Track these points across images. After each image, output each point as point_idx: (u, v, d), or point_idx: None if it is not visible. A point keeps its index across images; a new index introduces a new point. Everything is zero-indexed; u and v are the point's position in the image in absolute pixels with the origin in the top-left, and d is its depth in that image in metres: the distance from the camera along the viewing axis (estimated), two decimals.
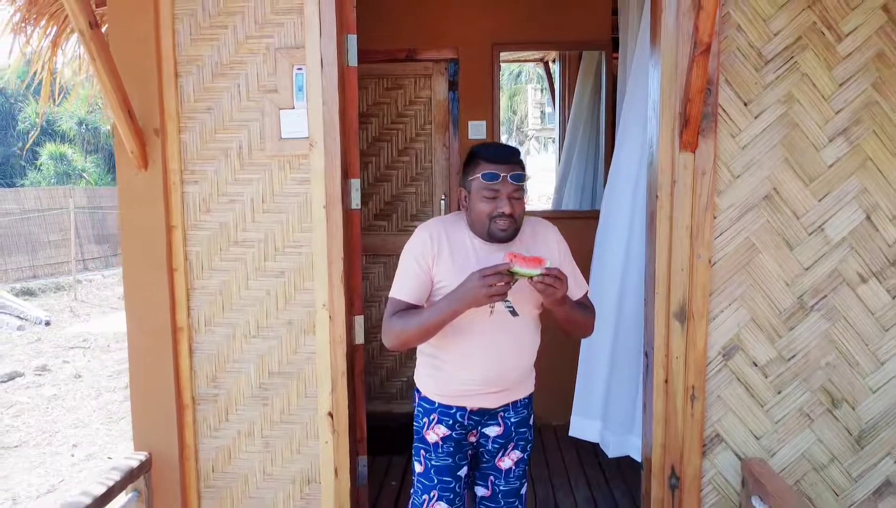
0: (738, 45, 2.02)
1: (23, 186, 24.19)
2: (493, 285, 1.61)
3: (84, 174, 23.74)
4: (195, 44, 2.14)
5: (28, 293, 12.75)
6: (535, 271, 1.57)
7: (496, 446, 1.92)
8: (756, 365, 2.12)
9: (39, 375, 8.54)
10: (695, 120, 1.98)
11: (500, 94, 3.48)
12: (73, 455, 6.16)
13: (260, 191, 2.18)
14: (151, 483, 2.20)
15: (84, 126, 25.49)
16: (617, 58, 3.20)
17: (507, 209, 1.71)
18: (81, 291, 13.40)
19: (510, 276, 1.59)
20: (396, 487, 2.92)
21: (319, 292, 2.18)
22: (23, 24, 2.96)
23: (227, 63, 2.15)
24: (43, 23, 3.03)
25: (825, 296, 2.08)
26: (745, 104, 2.04)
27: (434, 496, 1.87)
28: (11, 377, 8.38)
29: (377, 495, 2.77)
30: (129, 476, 2.08)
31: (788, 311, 2.10)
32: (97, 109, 26.55)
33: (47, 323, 11.09)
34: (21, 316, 11.32)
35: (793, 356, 2.11)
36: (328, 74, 2.11)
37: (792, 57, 2.02)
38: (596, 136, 3.73)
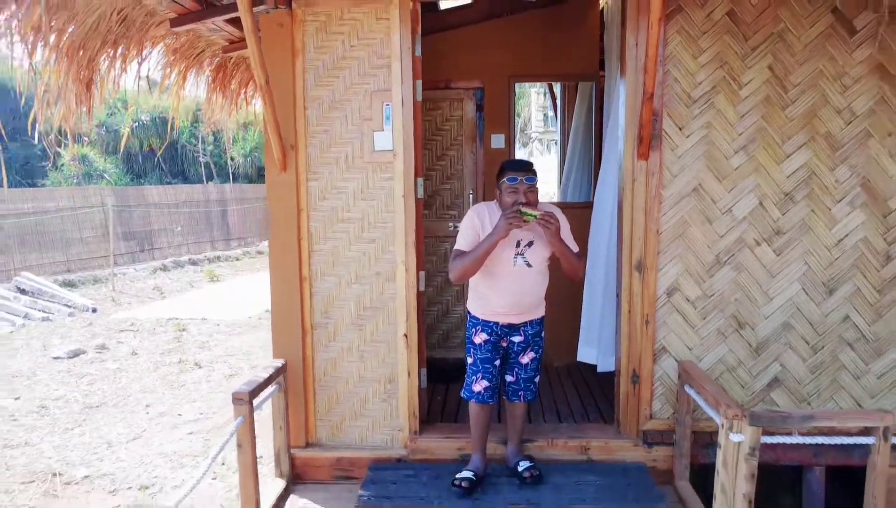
0: (675, 91, 3.15)
1: (44, 186, 25.28)
2: (511, 219, 2.72)
3: (105, 175, 24.79)
4: (317, 88, 3.28)
5: (69, 285, 13.87)
6: (537, 212, 2.71)
7: (519, 349, 3.06)
8: (688, 301, 3.25)
9: (100, 352, 9.68)
10: (647, 140, 3.11)
11: None
12: (147, 413, 7.30)
13: (359, 186, 3.32)
14: (286, 380, 3.33)
15: (104, 128, 26.55)
16: (604, 75, 4.32)
17: (523, 200, 2.84)
18: (117, 283, 14.51)
19: (521, 215, 2.71)
20: (441, 401, 4.05)
21: (399, 253, 3.31)
22: (167, 65, 4.10)
23: (338, 100, 3.28)
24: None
25: (733, 254, 3.22)
26: (680, 129, 3.17)
27: (479, 376, 3.02)
28: (76, 353, 9.55)
29: (429, 403, 3.89)
30: (277, 372, 3.21)
31: (709, 264, 3.23)
32: (116, 112, 27.51)
33: (94, 310, 12.22)
34: (69, 304, 12.46)
35: (712, 295, 3.24)
36: (406, 108, 3.25)
37: (710, 99, 3.15)
38: (589, 147, 4.88)
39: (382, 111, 3.25)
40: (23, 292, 13.08)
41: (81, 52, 3.18)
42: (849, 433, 2.79)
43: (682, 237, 3.22)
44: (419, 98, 3.35)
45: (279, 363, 3.30)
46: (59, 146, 3.36)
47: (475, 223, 2.93)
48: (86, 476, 5.76)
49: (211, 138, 25.08)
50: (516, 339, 3.04)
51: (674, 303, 3.26)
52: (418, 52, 3.31)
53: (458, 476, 3.04)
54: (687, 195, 3.20)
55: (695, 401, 3.11)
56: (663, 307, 3.26)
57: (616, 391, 3.40)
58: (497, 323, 3.01)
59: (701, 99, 3.15)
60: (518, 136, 24.38)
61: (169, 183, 26.08)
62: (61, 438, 6.60)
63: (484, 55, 4.52)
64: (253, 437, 2.89)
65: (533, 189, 2.88)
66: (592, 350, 3.67)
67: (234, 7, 3.23)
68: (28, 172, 28.11)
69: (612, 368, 3.62)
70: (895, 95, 3.07)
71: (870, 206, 3.14)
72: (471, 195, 4.60)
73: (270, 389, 3.23)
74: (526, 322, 3.03)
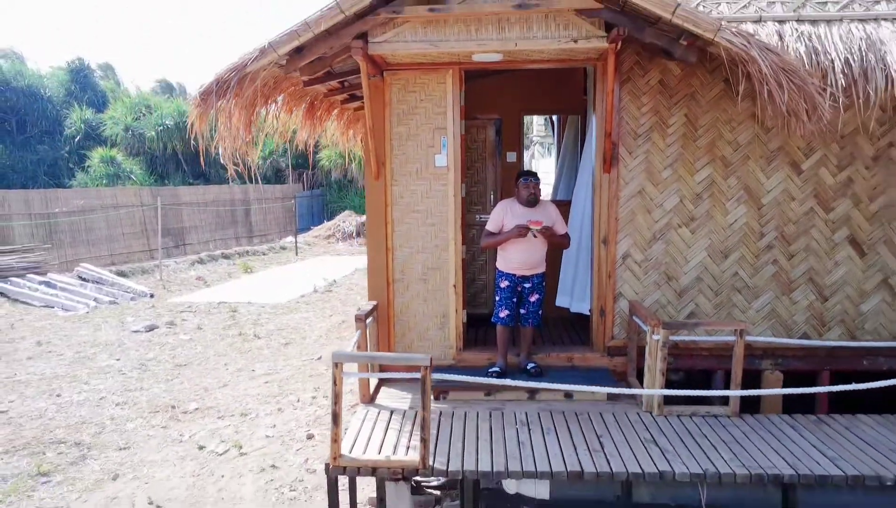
0: (627, 129, 5.07)
1: (71, 186, 27.05)
2: (521, 230, 4.67)
3: (132, 175, 26.57)
4: (399, 126, 5.19)
5: (121, 275, 15.71)
6: (538, 228, 4.63)
7: (528, 291, 4.99)
8: (636, 262, 5.17)
9: (170, 327, 11.57)
10: (609, 160, 5.03)
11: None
12: (227, 369, 9.21)
13: (425, 189, 5.23)
14: (377, 315, 5.23)
15: (130, 132, 28.31)
16: (586, 100, 6.22)
17: (532, 192, 4.79)
18: (163, 274, 16.36)
19: (528, 230, 4.64)
20: (473, 337, 5.97)
21: (450, 233, 5.22)
22: (285, 105, 5.98)
23: (412, 134, 5.20)
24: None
25: (664, 233, 5.13)
26: (630, 153, 5.09)
27: (503, 307, 4.96)
28: (151, 328, 11.46)
29: (466, 335, 5.80)
30: (372, 309, 5.12)
31: (649, 239, 5.14)
32: (142, 116, 29.17)
33: (151, 296, 14.09)
34: (128, 290, 14.33)
35: (651, 259, 5.16)
36: (455, 140, 5.16)
37: (648, 135, 5.07)
38: (574, 161, 6.81)
39: (440, 141, 5.17)
40: (84, 280, 14.96)
41: (249, 104, 5.07)
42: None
43: (631, 222, 5.14)
44: (462, 132, 5.26)
45: (373, 303, 5.21)
46: (238, 166, 5.23)
47: (499, 213, 4.86)
48: (196, 408, 7.69)
49: None
50: (527, 285, 4.97)
51: (627, 264, 5.17)
52: (462, 102, 5.22)
53: (489, 370, 4.96)
54: (635, 195, 5.11)
55: (639, 326, 5.01)
56: (620, 267, 5.17)
57: (590, 323, 5.32)
58: (514, 274, 4.93)
59: (643, 135, 5.07)
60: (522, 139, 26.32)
61: (191, 183, 27.83)
62: (166, 385, 8.54)
63: (501, 96, 6.44)
64: (367, 344, 4.79)
65: (537, 186, 4.83)
66: (567, 298, 5.61)
67: (346, 74, 5.16)
68: (55, 172, 29.82)
69: (581, 310, 5.54)
70: (764, 133, 4.99)
71: (749, 202, 5.06)
72: (492, 196, 6.53)
73: (369, 320, 5.13)
74: (533, 275, 4.96)
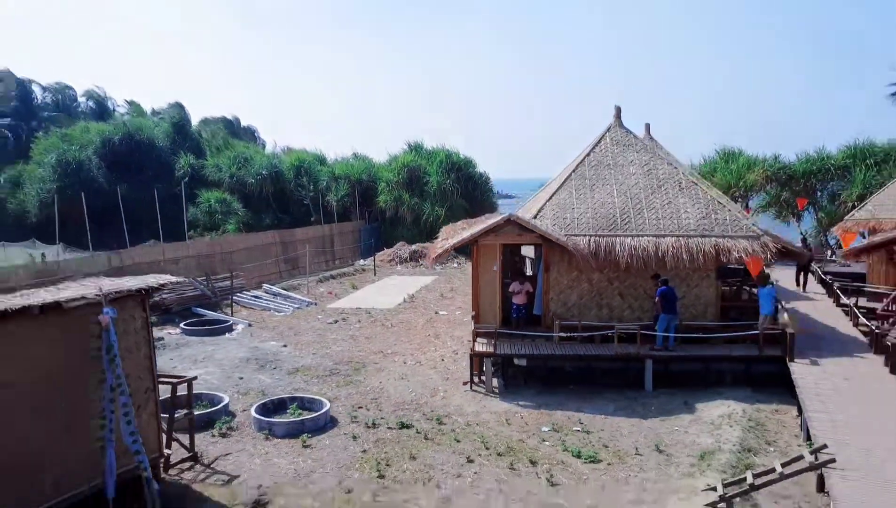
0: (552, 259, 17.87)
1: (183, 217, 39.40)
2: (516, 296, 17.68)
3: (238, 212, 39.08)
4: (481, 259, 17.95)
5: (285, 290, 28.30)
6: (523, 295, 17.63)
7: (524, 309, 17.96)
8: (557, 299, 18.03)
9: (344, 321, 24.48)
10: (546, 268, 17.85)
11: None
12: (390, 339, 22.16)
13: (490, 277, 18.00)
14: (475, 314, 17.98)
15: (234, 178, 40.97)
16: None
17: (522, 278, 17.78)
18: (308, 290, 29.00)
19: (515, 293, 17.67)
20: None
21: (496, 288, 18.04)
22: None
23: (485, 261, 17.98)
24: None
25: (565, 290, 17.98)
26: (554, 266, 17.91)
27: (514, 313, 17.95)
28: (336, 320, 24.34)
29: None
30: (476, 314, 17.86)
31: (560, 292, 18.00)
32: (243, 166, 41.97)
33: (315, 303, 26.77)
34: (300, 301, 26.96)
35: (563, 299, 18.02)
36: (498, 264, 17.97)
37: (559, 262, 17.90)
38: (539, 264, 19.68)
39: (495, 263, 17.93)
40: (268, 294, 27.65)
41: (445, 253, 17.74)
42: None
43: (555, 287, 17.94)
44: (501, 258, 18.05)
45: (475, 312, 17.96)
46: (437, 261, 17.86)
47: (513, 285, 17.81)
48: (392, 352, 20.77)
49: (311, 186, 39.63)
50: (522, 306, 17.88)
51: (552, 299, 17.98)
52: (501, 250, 17.97)
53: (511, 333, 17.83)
54: (556, 280, 17.92)
55: (557, 319, 17.81)
56: (552, 300, 17.98)
57: (540, 318, 18.19)
58: (518, 303, 17.87)
59: (556, 262, 17.88)
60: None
61: (279, 217, 40.60)
62: (370, 345, 21.53)
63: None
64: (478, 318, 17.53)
65: (524, 276, 17.79)
66: (536, 310, 18.48)
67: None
68: (169, 207, 42.38)
69: (540, 313, 18.44)
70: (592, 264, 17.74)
71: (589, 283, 17.87)
72: (509, 275, 19.35)
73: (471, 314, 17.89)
74: (525, 304, 17.89)
